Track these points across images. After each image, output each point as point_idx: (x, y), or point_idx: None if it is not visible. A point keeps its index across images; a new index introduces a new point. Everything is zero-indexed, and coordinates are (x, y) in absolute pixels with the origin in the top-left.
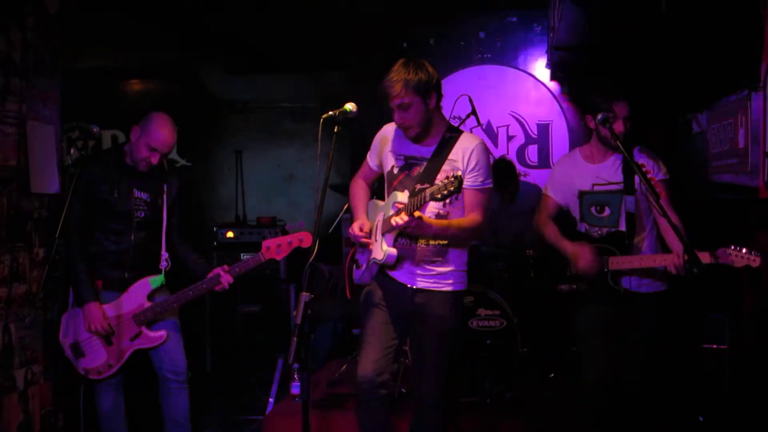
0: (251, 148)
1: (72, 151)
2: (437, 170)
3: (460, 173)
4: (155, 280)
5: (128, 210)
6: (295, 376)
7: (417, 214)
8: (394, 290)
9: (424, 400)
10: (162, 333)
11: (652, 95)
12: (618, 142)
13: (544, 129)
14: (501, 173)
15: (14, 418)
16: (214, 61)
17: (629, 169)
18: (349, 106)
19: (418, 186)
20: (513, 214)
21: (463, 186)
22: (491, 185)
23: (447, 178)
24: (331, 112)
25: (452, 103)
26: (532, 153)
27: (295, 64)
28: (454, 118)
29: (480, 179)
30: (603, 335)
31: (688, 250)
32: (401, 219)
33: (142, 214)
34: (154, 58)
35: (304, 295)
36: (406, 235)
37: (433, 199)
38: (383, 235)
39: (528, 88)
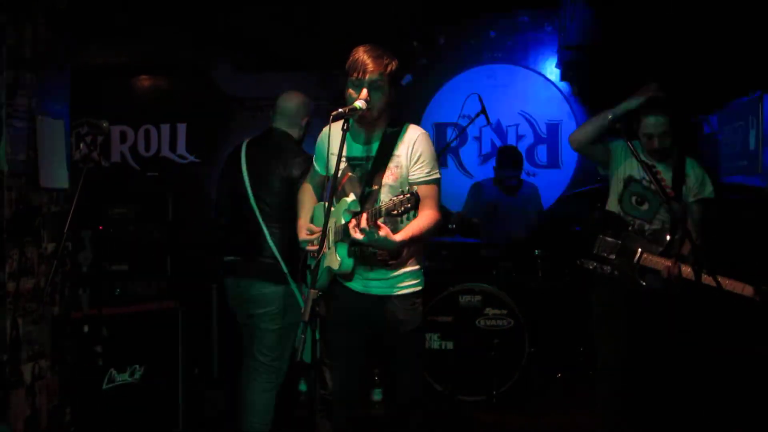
0: None
1: (81, 146)
2: (383, 168)
3: (415, 189)
4: None
5: None
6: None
7: (383, 233)
8: (351, 299)
9: (404, 404)
10: None
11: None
12: (630, 143)
13: (553, 129)
14: (502, 161)
15: (21, 413)
16: (224, 58)
17: (679, 174)
18: (359, 104)
19: (366, 189)
20: (521, 212)
21: (410, 180)
22: (439, 176)
23: (403, 194)
24: (340, 110)
25: (462, 101)
26: (542, 153)
27: (304, 61)
28: (464, 116)
29: (425, 170)
30: (617, 319)
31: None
32: (359, 234)
33: None
34: (164, 54)
35: (312, 293)
36: (360, 243)
37: (389, 215)
38: (336, 243)
39: (538, 87)
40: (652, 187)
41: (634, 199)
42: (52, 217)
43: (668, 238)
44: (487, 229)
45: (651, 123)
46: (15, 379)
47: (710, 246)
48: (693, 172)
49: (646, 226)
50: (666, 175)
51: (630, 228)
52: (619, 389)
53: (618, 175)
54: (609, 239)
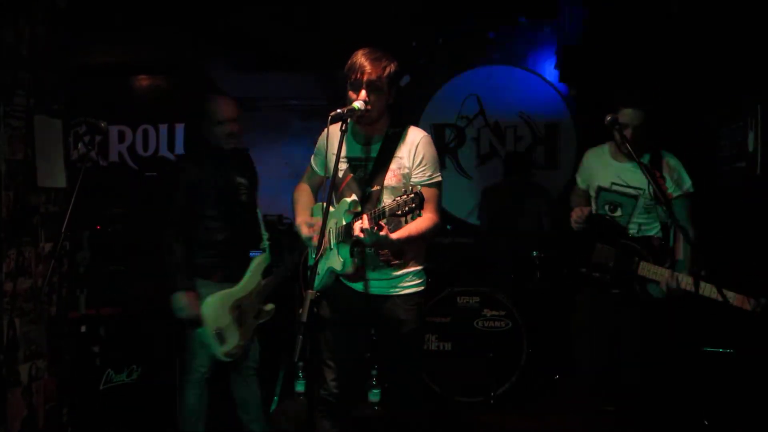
0: (259, 145)
1: (79, 145)
2: (384, 170)
3: (419, 189)
4: (266, 258)
5: (234, 196)
6: (300, 374)
7: (384, 233)
8: (352, 299)
9: (403, 405)
10: (272, 305)
11: (660, 97)
12: (629, 149)
13: (552, 130)
14: (509, 167)
15: (18, 413)
16: (223, 58)
17: (658, 177)
18: (358, 104)
19: (367, 189)
20: (530, 216)
21: (412, 183)
22: (440, 179)
23: (407, 194)
24: (339, 110)
25: (460, 102)
26: (540, 154)
27: (303, 61)
28: (462, 117)
29: (428, 173)
30: (603, 327)
31: (697, 276)
32: (363, 234)
33: (245, 198)
34: (163, 54)
35: (310, 293)
36: (362, 243)
37: (393, 215)
38: (337, 244)
39: (536, 88)
40: (620, 191)
41: (607, 207)
42: (50, 216)
43: (661, 242)
44: (498, 232)
45: (628, 113)
46: (12, 379)
47: (706, 246)
48: (668, 169)
49: (652, 235)
50: (632, 176)
51: (626, 234)
52: (595, 395)
53: (590, 188)
54: (605, 247)
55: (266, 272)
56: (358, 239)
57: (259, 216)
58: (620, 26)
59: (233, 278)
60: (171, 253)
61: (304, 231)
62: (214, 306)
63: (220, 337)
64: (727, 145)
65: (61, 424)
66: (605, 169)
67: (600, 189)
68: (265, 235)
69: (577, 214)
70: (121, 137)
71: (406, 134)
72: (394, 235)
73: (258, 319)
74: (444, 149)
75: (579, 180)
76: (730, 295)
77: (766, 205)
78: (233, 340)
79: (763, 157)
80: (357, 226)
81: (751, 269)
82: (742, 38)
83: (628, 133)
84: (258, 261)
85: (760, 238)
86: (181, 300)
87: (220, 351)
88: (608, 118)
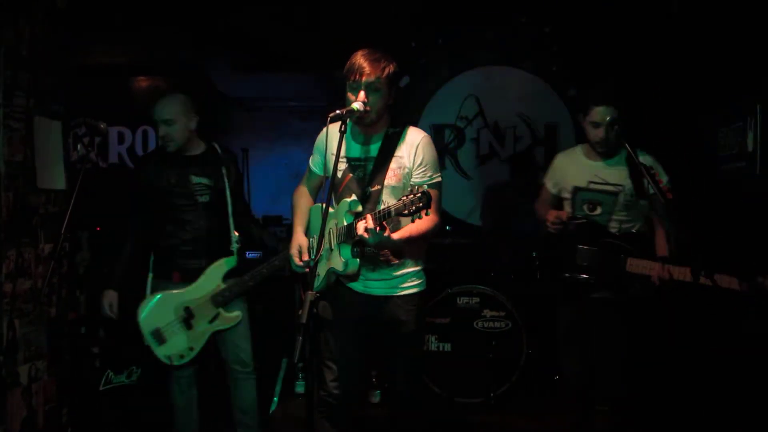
0: (258, 146)
1: (78, 146)
2: (384, 169)
3: (426, 188)
4: (230, 261)
5: (190, 196)
6: (300, 375)
7: (386, 233)
8: (353, 300)
9: (404, 403)
10: (237, 313)
11: (660, 97)
12: (629, 148)
13: (551, 130)
14: (516, 166)
15: (18, 414)
16: (222, 59)
17: (638, 172)
18: (356, 105)
19: (367, 189)
20: (521, 215)
21: (412, 183)
22: (440, 179)
23: (413, 194)
24: (338, 111)
25: (459, 103)
26: (539, 154)
27: (302, 62)
28: (462, 118)
29: (428, 174)
30: (592, 331)
31: (695, 265)
32: (367, 234)
33: (206, 199)
34: (163, 54)
35: (310, 294)
36: (365, 243)
37: (400, 215)
38: (338, 245)
39: (536, 89)
40: (598, 188)
41: (585, 206)
42: (50, 217)
43: (644, 237)
44: (499, 232)
45: (600, 111)
46: (12, 380)
47: (700, 244)
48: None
49: (633, 231)
50: (610, 173)
51: (608, 232)
52: (587, 400)
53: (564, 191)
54: (587, 248)
55: (228, 275)
56: (361, 239)
57: (230, 218)
58: (620, 26)
59: (193, 279)
60: (118, 253)
61: (293, 252)
62: (155, 304)
63: (158, 336)
64: (727, 145)
65: (60, 424)
66: (580, 170)
67: (577, 189)
68: (235, 237)
69: (554, 215)
70: (121, 138)
71: (405, 134)
72: (396, 235)
73: (214, 324)
74: (444, 149)
75: (549, 185)
76: (721, 279)
77: (765, 205)
78: (177, 342)
79: (762, 157)
80: (361, 226)
81: (751, 269)
82: (742, 38)
83: (600, 131)
84: (218, 263)
85: (759, 238)
86: (103, 298)
87: (160, 352)
88: (607, 119)
